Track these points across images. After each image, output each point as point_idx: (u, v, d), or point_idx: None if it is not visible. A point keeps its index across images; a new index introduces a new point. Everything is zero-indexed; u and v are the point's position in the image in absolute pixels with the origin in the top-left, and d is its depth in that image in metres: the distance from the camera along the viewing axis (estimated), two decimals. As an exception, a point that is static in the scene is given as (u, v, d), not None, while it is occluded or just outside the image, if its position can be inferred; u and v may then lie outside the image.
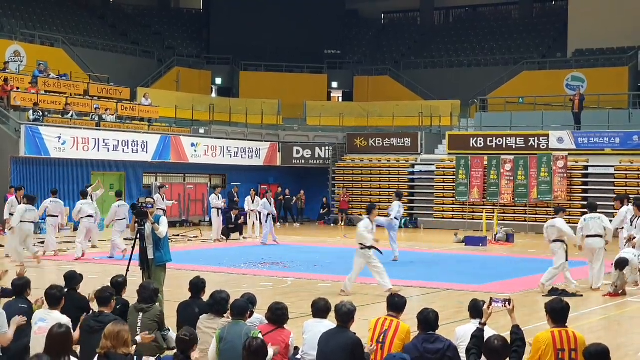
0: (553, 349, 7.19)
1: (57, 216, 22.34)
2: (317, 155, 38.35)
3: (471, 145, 35.19)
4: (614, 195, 29.87)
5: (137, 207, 12.65)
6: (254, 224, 28.75)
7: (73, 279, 10.21)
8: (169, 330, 9.73)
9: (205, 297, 9.85)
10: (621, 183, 31.38)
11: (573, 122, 34.20)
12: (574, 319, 7.64)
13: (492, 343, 7.05)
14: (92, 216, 22.04)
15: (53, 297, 8.74)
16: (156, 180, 33.43)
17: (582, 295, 15.76)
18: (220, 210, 27.28)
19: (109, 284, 9.78)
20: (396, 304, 8.33)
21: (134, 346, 7.52)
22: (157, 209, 25.88)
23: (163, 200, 25.96)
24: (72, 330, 7.44)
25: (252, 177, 37.10)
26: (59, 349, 6.86)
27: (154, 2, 53.20)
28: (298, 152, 38.26)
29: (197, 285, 9.95)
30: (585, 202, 31.58)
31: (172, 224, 26.68)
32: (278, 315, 8.28)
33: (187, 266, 18.79)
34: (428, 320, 7.78)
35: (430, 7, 53.12)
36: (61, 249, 23.28)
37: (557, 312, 7.43)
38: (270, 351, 7.69)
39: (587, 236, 16.79)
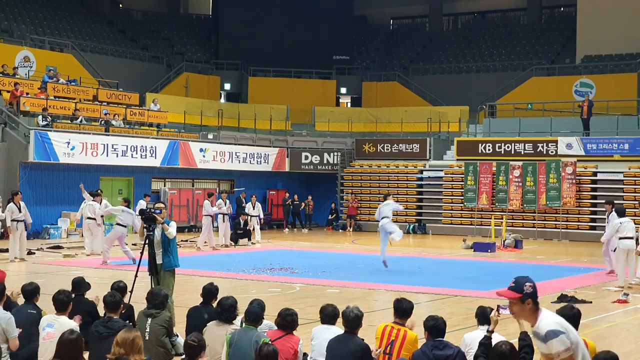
0: (563, 357, 7.15)
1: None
2: (325, 161, 38.35)
3: (480, 151, 35.16)
4: (623, 202, 29.98)
5: (145, 212, 12.63)
6: (254, 228, 28.88)
7: (81, 284, 10.21)
8: (178, 336, 9.73)
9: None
10: (630, 189, 31.29)
11: (582, 128, 34.13)
12: (582, 326, 7.60)
13: (499, 348, 7.04)
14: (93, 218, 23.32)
15: (60, 302, 8.73)
16: (164, 186, 33.51)
17: (591, 302, 15.71)
18: (226, 216, 27.26)
19: (111, 289, 9.82)
20: (403, 309, 8.30)
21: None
22: (204, 215, 26.32)
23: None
24: (82, 337, 7.43)
25: (261, 182, 37.14)
26: (69, 355, 6.85)
27: (163, 8, 53.33)
28: (306, 157, 38.27)
29: (209, 291, 9.94)
30: (594, 208, 31.76)
31: (180, 229, 26.78)
32: (288, 321, 8.26)
33: (196, 272, 18.80)
34: (439, 327, 7.77)
35: (439, 13, 53.13)
36: (69, 254, 23.39)
37: (568, 319, 7.37)
38: None
39: None
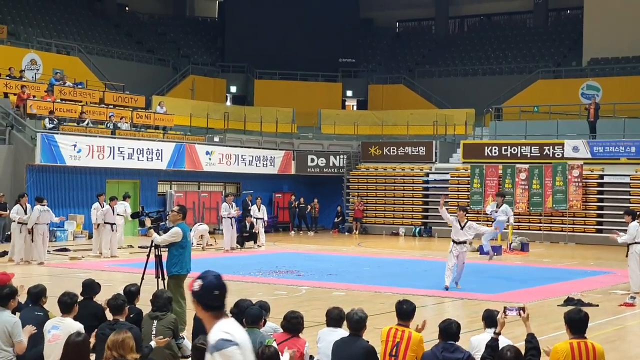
0: (571, 360, 7.13)
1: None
2: (331, 164, 38.34)
3: (486, 154, 35.11)
4: (630, 205, 29.91)
5: (138, 215, 12.66)
6: (258, 231, 28.91)
7: (91, 287, 10.15)
8: (184, 339, 9.73)
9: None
10: (637, 192, 31.21)
11: (588, 131, 34.08)
12: (589, 329, 7.57)
13: (504, 354, 7.01)
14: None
15: (65, 304, 8.72)
16: (171, 188, 33.51)
17: (597, 305, 15.67)
18: (233, 219, 27.29)
19: (122, 292, 9.79)
20: (405, 311, 8.28)
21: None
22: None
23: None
24: (89, 339, 7.43)
25: (267, 185, 37.13)
26: (76, 357, 6.84)
27: (169, 11, 53.39)
28: (312, 160, 38.26)
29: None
30: (601, 211, 31.71)
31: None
32: (293, 324, 8.27)
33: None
34: (449, 330, 7.77)
35: (445, 15, 53.10)
36: (75, 256, 23.42)
37: (576, 323, 7.36)
38: (286, 355, 7.67)
39: None
